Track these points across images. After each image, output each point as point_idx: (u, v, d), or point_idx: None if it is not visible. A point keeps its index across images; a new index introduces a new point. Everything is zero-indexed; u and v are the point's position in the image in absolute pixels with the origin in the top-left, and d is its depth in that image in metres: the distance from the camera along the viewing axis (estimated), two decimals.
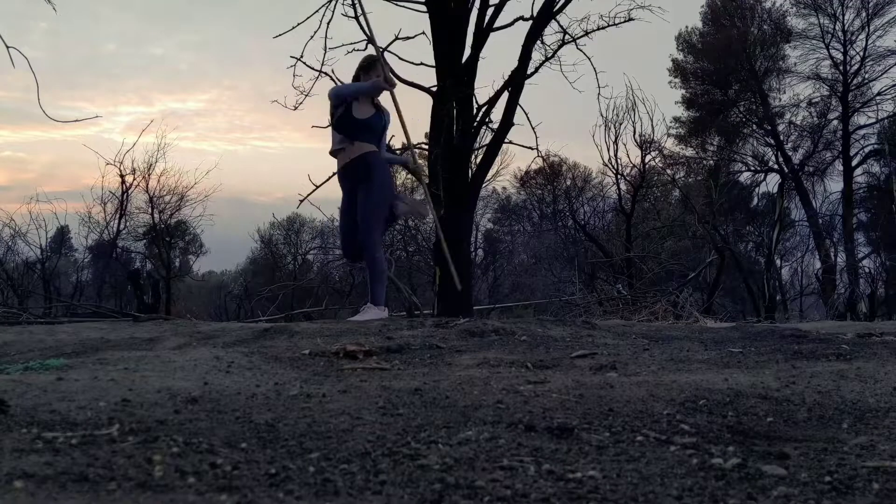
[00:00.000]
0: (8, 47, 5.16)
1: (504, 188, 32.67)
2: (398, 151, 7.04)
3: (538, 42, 9.79)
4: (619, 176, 17.42)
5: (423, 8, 9.41)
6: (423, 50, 9.04)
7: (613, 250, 16.35)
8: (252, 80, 57.62)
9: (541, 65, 9.94)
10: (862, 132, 26.69)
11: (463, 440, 1.59)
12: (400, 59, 9.59)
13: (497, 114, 9.56)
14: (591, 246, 17.52)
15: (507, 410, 1.92)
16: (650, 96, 35.86)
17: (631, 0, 10.03)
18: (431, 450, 1.51)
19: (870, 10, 25.63)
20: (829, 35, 26.55)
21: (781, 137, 27.17)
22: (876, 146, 26.31)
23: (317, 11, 8.98)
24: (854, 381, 2.45)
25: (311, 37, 9.00)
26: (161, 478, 1.23)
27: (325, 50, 9.08)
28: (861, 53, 26.07)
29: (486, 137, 10.14)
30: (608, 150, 17.42)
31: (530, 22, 9.58)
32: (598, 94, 11.31)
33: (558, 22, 9.95)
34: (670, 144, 27.09)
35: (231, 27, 56.69)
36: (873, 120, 26.46)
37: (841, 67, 26.56)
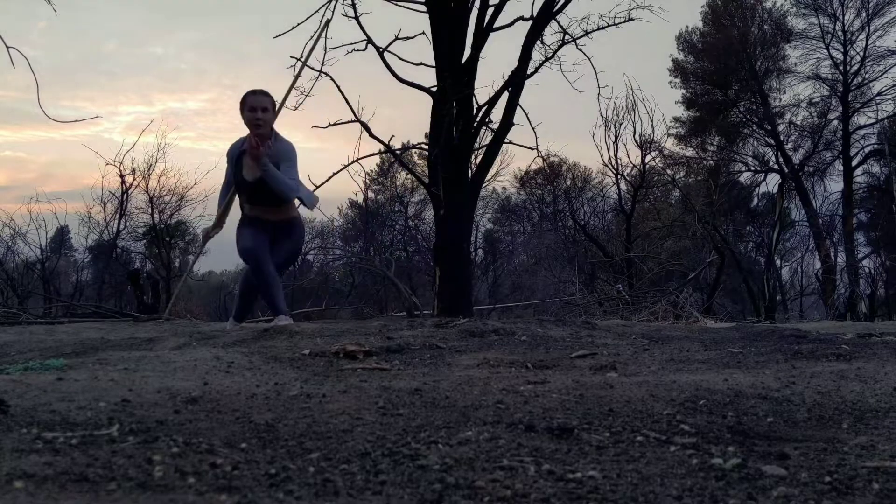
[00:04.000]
0: (8, 47, 5.16)
1: (504, 188, 32.75)
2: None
3: (538, 42, 9.78)
4: (619, 176, 17.47)
5: (423, 8, 9.39)
6: (423, 50, 9.03)
7: (613, 250, 16.36)
8: (252, 79, 57.74)
9: (541, 65, 9.91)
10: (862, 132, 26.78)
11: (463, 440, 1.59)
12: (400, 58, 9.57)
13: (497, 114, 9.55)
14: (591, 246, 17.55)
15: (507, 411, 1.92)
16: (650, 96, 35.92)
17: (631, 0, 10.02)
18: (431, 450, 1.51)
19: (870, 11, 25.69)
20: (830, 35, 26.61)
21: (781, 137, 27.22)
22: (876, 146, 26.33)
23: (316, 12, 8.96)
24: (854, 381, 2.45)
25: (311, 37, 8.99)
26: (161, 478, 1.23)
27: (325, 50, 9.05)
28: (861, 53, 26.14)
29: (486, 137, 10.12)
30: (608, 150, 17.52)
31: (530, 22, 9.56)
32: (599, 94, 11.25)
33: (558, 22, 9.92)
34: (670, 144, 27.17)
35: (231, 27, 56.75)
36: (873, 120, 26.54)
37: (841, 67, 26.60)
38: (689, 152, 28.96)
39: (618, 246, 16.63)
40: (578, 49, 10.13)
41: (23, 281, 15.62)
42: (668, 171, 23.17)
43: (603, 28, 10.12)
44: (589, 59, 10.22)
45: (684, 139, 29.14)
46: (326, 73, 9.18)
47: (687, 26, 28.92)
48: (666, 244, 18.50)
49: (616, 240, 17.73)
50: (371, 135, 9.47)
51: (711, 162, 28.53)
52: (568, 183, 29.47)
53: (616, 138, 16.63)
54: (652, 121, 23.05)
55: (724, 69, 27.55)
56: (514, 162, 48.20)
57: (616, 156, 16.95)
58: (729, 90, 28.17)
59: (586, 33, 10.07)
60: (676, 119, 28.93)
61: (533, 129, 10.04)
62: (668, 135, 26.77)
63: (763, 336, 3.92)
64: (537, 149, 10.37)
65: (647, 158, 17.28)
